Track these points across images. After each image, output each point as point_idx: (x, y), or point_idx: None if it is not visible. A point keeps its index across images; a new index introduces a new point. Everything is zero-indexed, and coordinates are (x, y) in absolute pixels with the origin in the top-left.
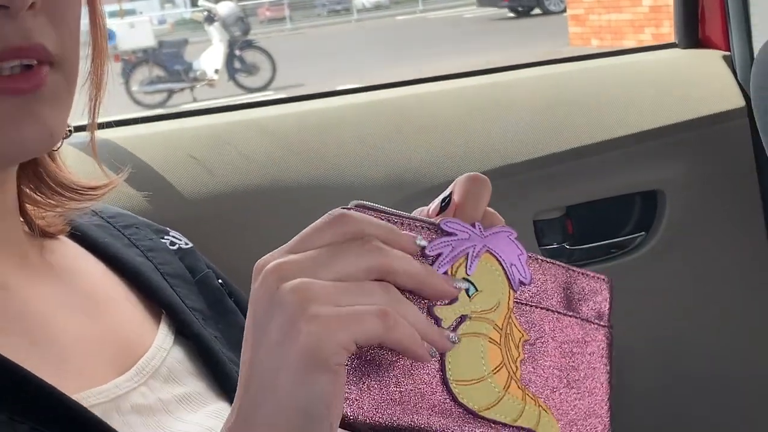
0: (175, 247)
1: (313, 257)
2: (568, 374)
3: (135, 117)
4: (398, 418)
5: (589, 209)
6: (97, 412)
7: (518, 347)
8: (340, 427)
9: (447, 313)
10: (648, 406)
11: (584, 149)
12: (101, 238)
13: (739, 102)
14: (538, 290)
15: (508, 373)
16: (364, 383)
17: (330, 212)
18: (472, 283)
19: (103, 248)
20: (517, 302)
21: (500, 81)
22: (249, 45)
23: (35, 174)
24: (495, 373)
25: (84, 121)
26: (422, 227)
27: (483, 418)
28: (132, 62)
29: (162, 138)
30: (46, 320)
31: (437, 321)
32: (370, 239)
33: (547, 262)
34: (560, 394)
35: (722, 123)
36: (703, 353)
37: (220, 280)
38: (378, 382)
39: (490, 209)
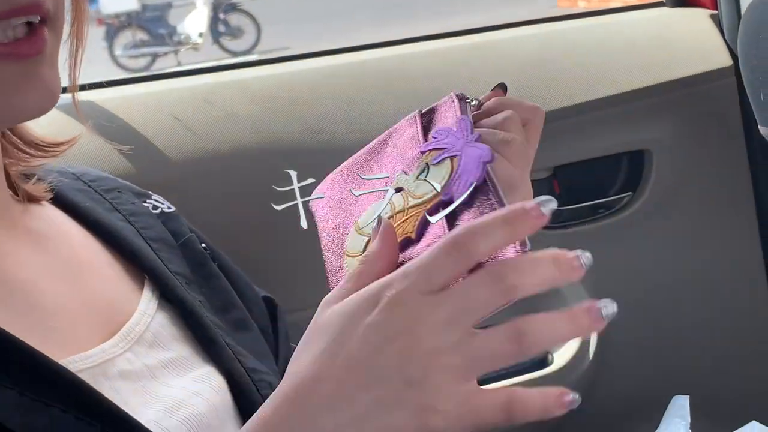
0: (157, 211)
1: (449, 317)
2: None
3: (117, 79)
4: None
5: (575, 169)
6: (85, 377)
7: (402, 235)
8: None
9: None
10: (633, 363)
11: (571, 109)
12: (83, 203)
13: (726, 61)
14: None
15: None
16: None
17: (446, 240)
18: (428, 170)
19: (84, 213)
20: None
21: (486, 41)
22: (233, 8)
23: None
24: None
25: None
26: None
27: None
28: (115, 26)
29: (145, 100)
30: (30, 287)
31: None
32: (501, 278)
33: (489, 198)
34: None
35: (710, 82)
36: (689, 312)
37: (203, 244)
38: None
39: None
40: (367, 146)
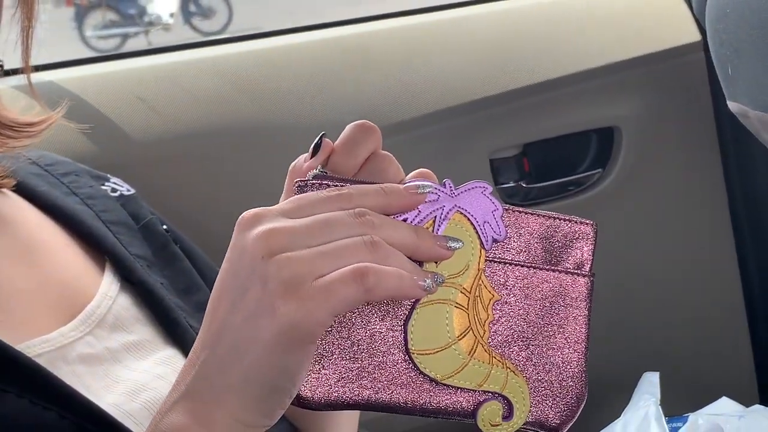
0: (116, 194)
1: (306, 227)
2: (542, 329)
3: (80, 58)
4: (356, 395)
5: (545, 147)
6: (42, 361)
7: (487, 308)
8: (297, 406)
9: None
10: (604, 340)
11: (540, 86)
12: (39, 187)
13: (695, 36)
14: (513, 245)
15: (475, 337)
16: (319, 363)
17: (331, 189)
18: None
19: (42, 197)
20: (488, 260)
21: (455, 17)
22: None
23: None
24: (460, 339)
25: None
26: None
27: (446, 385)
28: (85, 6)
29: (108, 79)
30: None
31: None
32: (363, 213)
33: (526, 213)
34: (532, 351)
35: (678, 57)
36: (659, 288)
37: (164, 226)
38: (333, 361)
39: (385, 153)
40: None
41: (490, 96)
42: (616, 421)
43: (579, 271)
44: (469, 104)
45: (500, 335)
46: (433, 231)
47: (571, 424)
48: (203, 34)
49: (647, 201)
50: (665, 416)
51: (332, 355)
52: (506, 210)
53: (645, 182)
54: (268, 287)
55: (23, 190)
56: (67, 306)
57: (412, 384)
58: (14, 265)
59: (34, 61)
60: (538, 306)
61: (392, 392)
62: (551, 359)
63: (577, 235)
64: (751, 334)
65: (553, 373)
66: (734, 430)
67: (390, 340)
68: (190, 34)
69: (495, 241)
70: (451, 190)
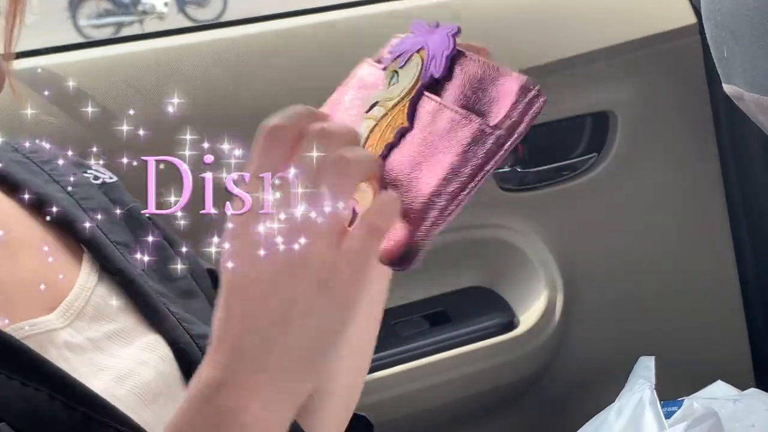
0: (98, 182)
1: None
2: (423, 158)
3: (71, 43)
4: None
5: (539, 131)
6: (32, 343)
7: (393, 131)
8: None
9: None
10: (599, 324)
11: (534, 70)
12: (20, 174)
13: (690, 19)
14: (447, 84)
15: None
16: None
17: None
18: (398, 74)
19: (23, 185)
20: (423, 93)
21: (448, 1)
22: None
23: None
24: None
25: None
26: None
27: None
28: None
29: (99, 65)
30: None
31: None
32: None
33: (475, 59)
34: (411, 178)
35: (673, 41)
36: (655, 272)
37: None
38: None
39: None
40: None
41: None
42: (611, 405)
43: (483, 119)
44: None
45: (392, 159)
46: (399, 61)
47: (422, 251)
48: (198, 23)
49: (642, 185)
50: (660, 400)
51: None
52: (459, 53)
53: (640, 166)
54: (311, 285)
55: (4, 178)
56: (47, 299)
57: None
58: None
59: (26, 46)
60: (432, 138)
61: None
62: (416, 185)
63: (505, 90)
64: (747, 317)
65: (412, 196)
66: (729, 413)
67: None
68: (184, 23)
69: (432, 77)
70: (431, 28)
